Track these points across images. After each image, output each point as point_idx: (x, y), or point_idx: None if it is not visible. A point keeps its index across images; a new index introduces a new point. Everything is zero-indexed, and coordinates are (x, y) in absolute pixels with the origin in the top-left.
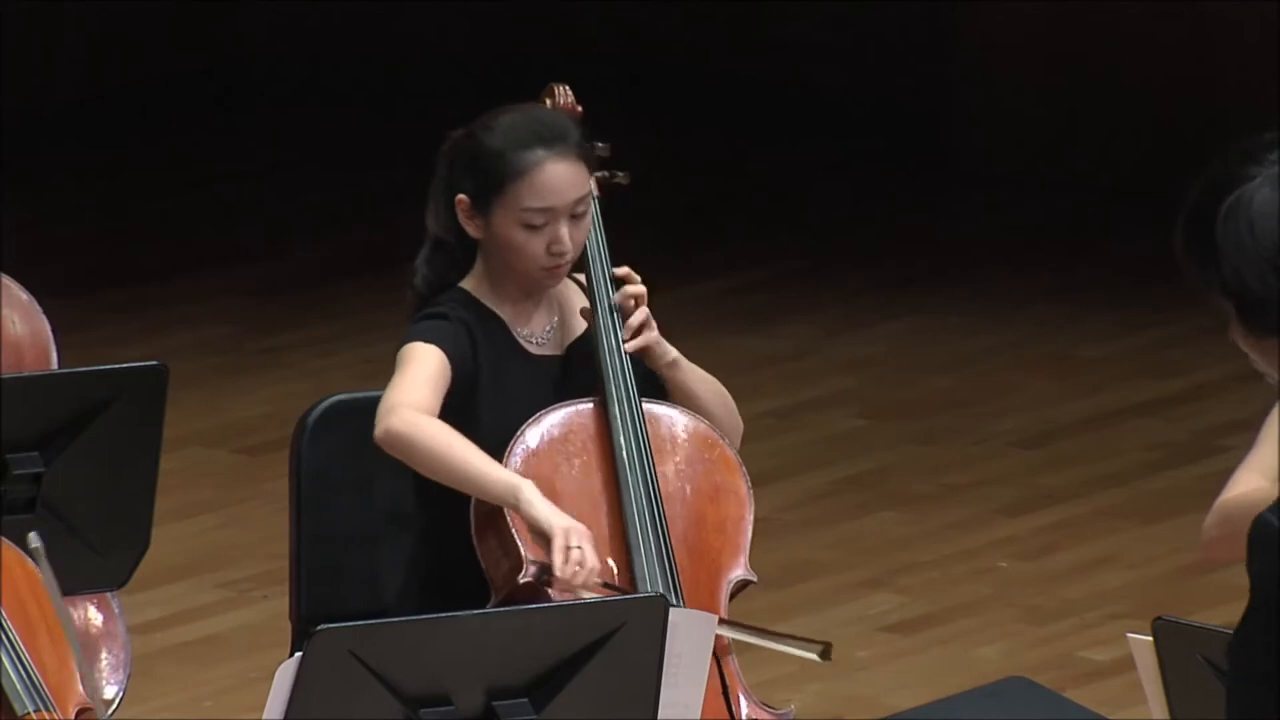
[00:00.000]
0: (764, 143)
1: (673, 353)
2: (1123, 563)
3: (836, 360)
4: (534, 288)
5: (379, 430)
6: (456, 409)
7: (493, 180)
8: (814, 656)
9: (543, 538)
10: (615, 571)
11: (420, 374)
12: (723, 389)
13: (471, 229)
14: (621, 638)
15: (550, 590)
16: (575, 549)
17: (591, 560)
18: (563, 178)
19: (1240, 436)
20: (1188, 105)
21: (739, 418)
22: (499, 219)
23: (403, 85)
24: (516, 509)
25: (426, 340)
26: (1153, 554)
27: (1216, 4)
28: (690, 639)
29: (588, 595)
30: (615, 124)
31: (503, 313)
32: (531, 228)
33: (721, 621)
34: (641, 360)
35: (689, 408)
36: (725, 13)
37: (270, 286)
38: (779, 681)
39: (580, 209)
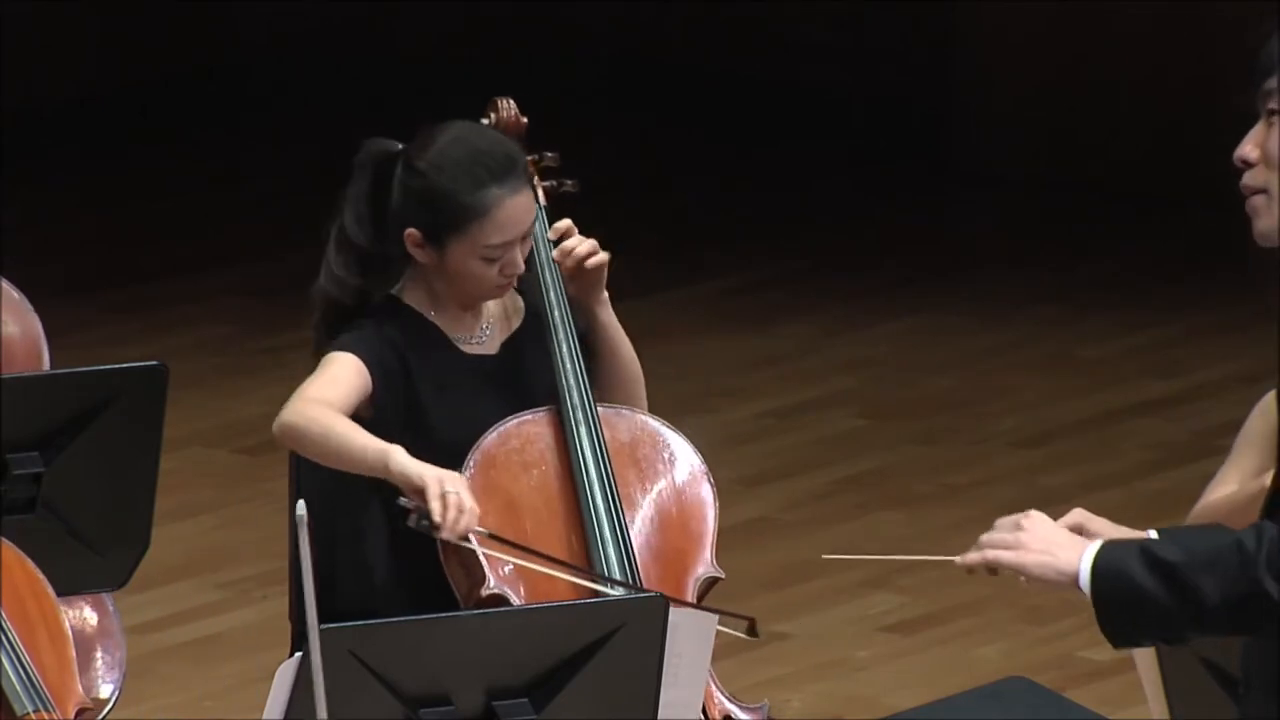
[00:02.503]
0: (764, 143)
1: (605, 294)
2: None
3: (836, 360)
4: (479, 301)
5: (274, 425)
6: (403, 422)
7: (451, 222)
8: (740, 634)
9: (417, 492)
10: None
11: (327, 375)
12: (636, 357)
13: (419, 256)
14: (621, 638)
15: (435, 536)
16: (451, 493)
17: (470, 503)
18: (520, 209)
19: None
20: (1188, 105)
21: (644, 388)
22: (455, 254)
23: (402, 85)
24: (389, 473)
25: (344, 349)
26: None
27: (1216, 4)
28: (690, 639)
29: (473, 546)
30: (615, 124)
31: (438, 319)
32: (490, 260)
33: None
34: (576, 300)
35: (612, 360)
36: (725, 13)
37: (270, 286)
38: (780, 681)
39: (531, 229)
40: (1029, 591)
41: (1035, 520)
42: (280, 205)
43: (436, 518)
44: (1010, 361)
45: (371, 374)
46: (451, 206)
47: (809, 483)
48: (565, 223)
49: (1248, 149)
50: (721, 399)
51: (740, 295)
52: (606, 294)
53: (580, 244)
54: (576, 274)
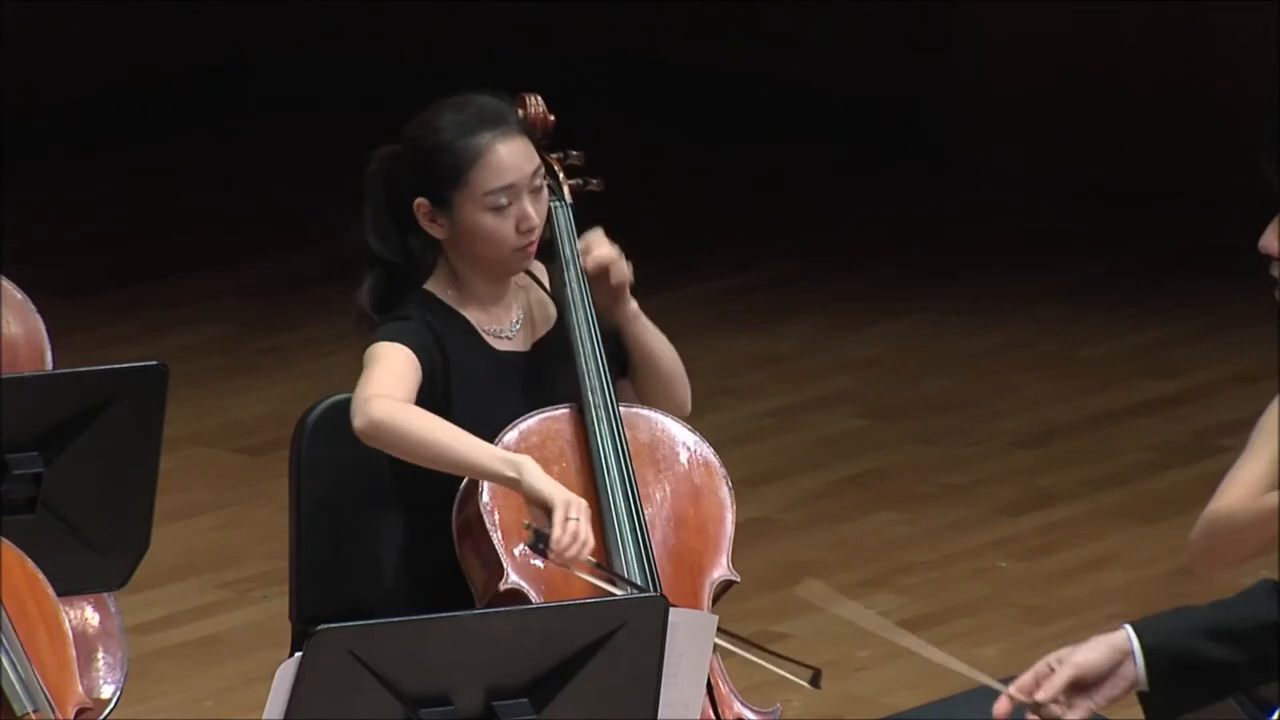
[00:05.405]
0: (764, 143)
1: (635, 304)
2: (1123, 563)
3: (836, 360)
4: (506, 272)
5: (359, 421)
6: (428, 408)
7: (450, 173)
8: (803, 683)
9: (543, 509)
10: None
11: (390, 369)
12: (676, 354)
13: (435, 230)
14: (621, 638)
15: (542, 561)
16: (574, 521)
17: (586, 535)
18: (515, 153)
19: (1240, 437)
20: (1188, 106)
21: (688, 384)
22: (464, 210)
23: (402, 85)
24: (519, 484)
25: (392, 339)
26: (1153, 554)
27: (1217, 5)
28: (690, 639)
29: (578, 571)
30: (615, 124)
31: (468, 312)
32: (498, 209)
33: (721, 632)
34: (605, 314)
35: (647, 366)
36: (725, 13)
37: (270, 286)
38: (779, 681)
39: (537, 183)
40: (1028, 591)
41: None
42: (280, 205)
43: (554, 543)
44: (1010, 361)
45: (421, 365)
46: (448, 159)
47: (809, 483)
48: (595, 231)
49: (1270, 241)
50: (721, 399)
51: (740, 295)
52: (634, 305)
53: (600, 246)
54: (597, 280)
